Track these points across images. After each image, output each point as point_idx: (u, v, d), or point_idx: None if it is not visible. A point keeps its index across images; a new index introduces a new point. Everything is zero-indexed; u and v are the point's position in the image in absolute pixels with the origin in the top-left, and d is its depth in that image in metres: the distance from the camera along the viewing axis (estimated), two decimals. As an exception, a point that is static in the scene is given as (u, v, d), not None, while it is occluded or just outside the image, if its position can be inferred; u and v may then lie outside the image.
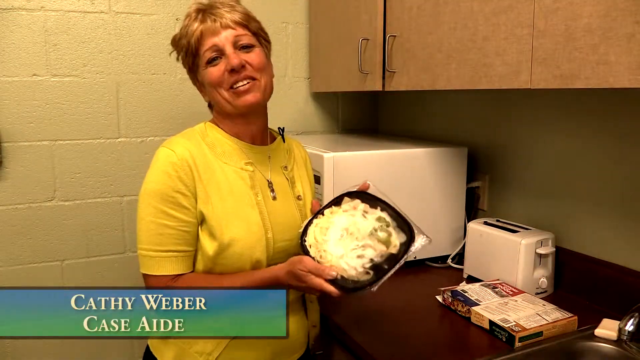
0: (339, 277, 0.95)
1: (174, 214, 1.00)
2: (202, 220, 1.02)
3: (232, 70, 1.02)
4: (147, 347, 1.12)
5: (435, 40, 1.33)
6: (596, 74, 0.94)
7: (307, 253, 1.00)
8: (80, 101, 1.71)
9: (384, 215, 1.04)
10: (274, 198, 1.10)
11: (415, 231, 1.02)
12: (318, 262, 0.96)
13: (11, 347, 1.72)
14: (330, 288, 0.93)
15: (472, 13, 1.21)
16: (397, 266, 0.97)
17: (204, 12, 1.05)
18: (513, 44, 1.10)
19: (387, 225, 1.02)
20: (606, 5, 0.91)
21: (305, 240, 1.02)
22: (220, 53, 1.03)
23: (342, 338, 1.21)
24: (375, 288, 0.94)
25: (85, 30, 1.69)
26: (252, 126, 1.11)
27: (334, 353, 1.30)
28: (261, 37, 1.11)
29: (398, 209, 1.06)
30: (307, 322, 1.19)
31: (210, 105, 1.15)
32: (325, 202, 1.11)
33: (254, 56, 1.05)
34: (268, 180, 1.11)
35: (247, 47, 1.05)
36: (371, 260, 0.97)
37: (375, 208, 1.06)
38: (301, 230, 1.05)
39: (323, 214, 1.06)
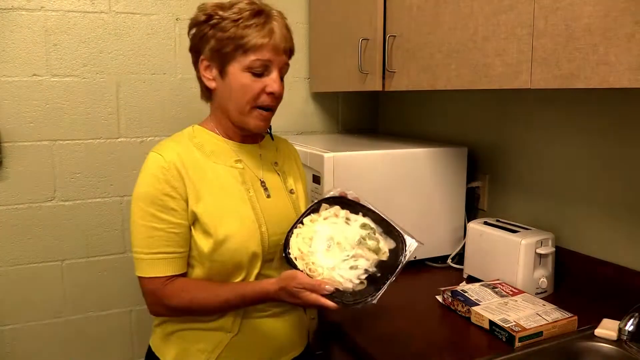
0: (335, 291, 0.93)
1: (162, 216, 1.01)
2: (194, 221, 1.03)
3: (272, 94, 1.04)
4: (149, 348, 1.13)
5: (435, 40, 1.33)
6: (596, 74, 0.94)
7: (293, 266, 0.98)
8: (80, 101, 1.71)
9: (368, 221, 1.03)
10: (268, 196, 1.11)
11: (405, 235, 1.01)
12: (308, 275, 0.95)
13: (11, 347, 1.72)
14: (329, 303, 0.93)
15: (472, 13, 1.21)
16: (395, 275, 0.96)
17: (266, 18, 1.03)
18: (513, 44, 1.10)
19: (374, 232, 1.01)
20: (606, 5, 0.91)
21: (289, 253, 0.99)
22: (265, 70, 1.04)
23: (342, 338, 1.21)
24: (376, 300, 0.93)
25: (85, 30, 1.69)
26: (245, 131, 1.11)
27: (333, 353, 1.30)
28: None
29: (382, 214, 1.05)
30: (306, 317, 1.19)
31: (205, 94, 1.13)
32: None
33: (283, 87, 1.08)
34: (260, 180, 1.11)
35: (282, 76, 1.08)
36: (365, 270, 0.96)
37: (357, 213, 1.05)
38: (283, 242, 1.02)
39: (303, 223, 1.04)
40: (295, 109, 2.06)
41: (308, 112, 2.09)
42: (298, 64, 2.02)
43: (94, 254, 1.79)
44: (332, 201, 1.07)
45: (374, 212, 1.05)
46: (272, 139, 1.21)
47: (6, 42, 1.60)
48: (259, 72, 1.03)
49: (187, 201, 1.02)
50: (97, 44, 1.71)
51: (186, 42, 1.85)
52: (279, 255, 1.04)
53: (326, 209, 1.06)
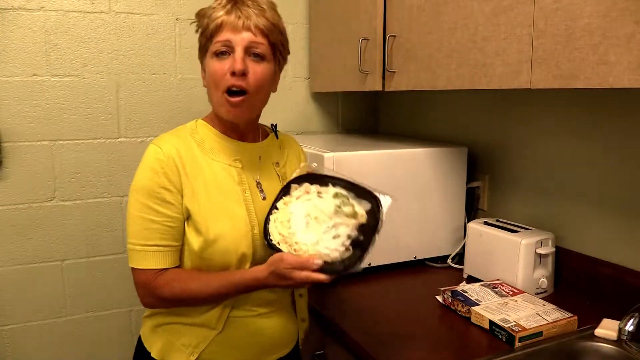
0: (323, 263, 0.94)
1: (159, 209, 1.01)
2: (188, 216, 1.04)
3: (233, 73, 1.01)
4: (139, 338, 1.14)
5: (435, 40, 1.33)
6: (596, 74, 0.94)
7: (278, 251, 0.98)
8: (80, 101, 1.71)
9: (339, 189, 1.04)
10: (264, 198, 1.10)
11: (377, 194, 1.01)
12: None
13: (11, 347, 1.72)
14: (320, 277, 0.93)
15: (472, 13, 1.21)
16: (377, 235, 0.96)
17: (234, 3, 1.03)
18: (513, 44, 1.10)
19: (347, 199, 1.01)
20: (606, 5, 0.91)
21: (271, 240, 1.00)
22: (230, 50, 1.02)
23: (342, 338, 1.21)
24: (364, 263, 0.94)
25: (85, 30, 1.69)
26: (240, 125, 1.11)
27: (333, 353, 1.30)
28: (279, 50, 1.08)
29: (349, 178, 1.05)
30: (296, 318, 1.19)
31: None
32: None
33: (260, 69, 1.03)
34: (257, 181, 1.11)
35: (258, 57, 1.03)
36: (348, 236, 0.97)
37: (326, 185, 1.05)
38: (262, 231, 1.03)
39: (277, 208, 1.05)
40: (295, 109, 2.06)
41: (308, 112, 2.09)
42: (298, 64, 2.02)
43: (94, 254, 1.79)
44: (300, 180, 1.08)
45: (342, 179, 1.05)
46: (277, 137, 1.20)
47: (6, 42, 1.60)
48: (222, 54, 1.01)
49: (182, 195, 1.03)
50: (97, 44, 1.71)
51: (186, 42, 1.87)
52: (262, 242, 1.04)
53: (296, 189, 1.07)
